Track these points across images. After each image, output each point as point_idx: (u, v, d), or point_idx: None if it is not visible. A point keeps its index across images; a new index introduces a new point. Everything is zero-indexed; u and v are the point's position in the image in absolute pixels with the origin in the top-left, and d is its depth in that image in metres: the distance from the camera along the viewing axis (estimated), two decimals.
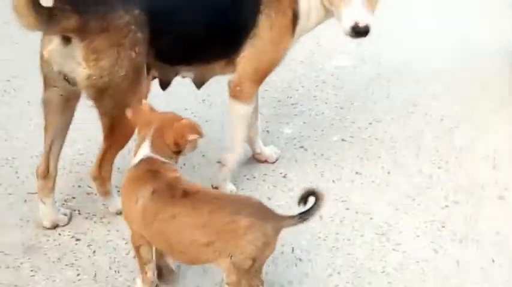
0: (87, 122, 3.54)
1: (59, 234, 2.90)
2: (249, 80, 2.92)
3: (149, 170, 2.41)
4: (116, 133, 2.75)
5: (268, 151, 3.36)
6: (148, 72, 2.81)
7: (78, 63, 2.53)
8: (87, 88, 2.59)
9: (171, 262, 2.65)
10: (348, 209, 3.08)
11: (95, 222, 2.97)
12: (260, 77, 2.94)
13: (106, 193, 2.94)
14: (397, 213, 3.05)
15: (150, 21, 2.62)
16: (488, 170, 3.33)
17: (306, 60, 4.30)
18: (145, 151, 2.44)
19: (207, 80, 3.05)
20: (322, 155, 3.42)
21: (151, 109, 2.50)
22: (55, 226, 2.93)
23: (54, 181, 2.90)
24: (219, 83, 3.15)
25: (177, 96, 3.64)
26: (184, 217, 2.31)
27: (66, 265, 2.75)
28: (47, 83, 2.71)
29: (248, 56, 2.85)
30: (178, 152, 2.48)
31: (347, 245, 2.88)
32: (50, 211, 2.91)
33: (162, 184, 2.38)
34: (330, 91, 3.98)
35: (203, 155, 3.38)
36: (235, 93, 2.95)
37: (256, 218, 2.28)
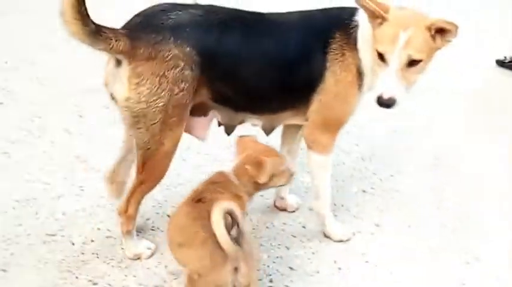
0: (109, 165, 3.61)
1: (76, 277, 2.87)
2: (321, 132, 2.94)
3: (210, 182, 2.65)
4: (148, 169, 2.77)
5: (290, 199, 3.35)
6: (205, 114, 2.87)
7: (122, 83, 2.61)
8: (125, 111, 2.65)
9: None
10: (367, 262, 3.04)
11: (112, 266, 2.95)
12: (331, 129, 2.95)
13: (127, 233, 2.94)
14: (418, 267, 3.01)
15: (202, 61, 2.65)
16: None
17: None
18: (226, 167, 2.64)
19: (276, 127, 3.07)
20: (342, 205, 3.40)
21: (255, 141, 2.70)
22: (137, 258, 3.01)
23: (123, 186, 3.05)
24: None
25: (200, 142, 3.64)
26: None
27: None
28: (114, 101, 2.79)
29: (316, 109, 2.87)
30: (258, 184, 2.64)
31: None
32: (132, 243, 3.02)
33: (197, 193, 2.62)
34: (352, 141, 3.97)
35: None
36: (310, 145, 2.98)
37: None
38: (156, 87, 2.60)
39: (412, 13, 2.66)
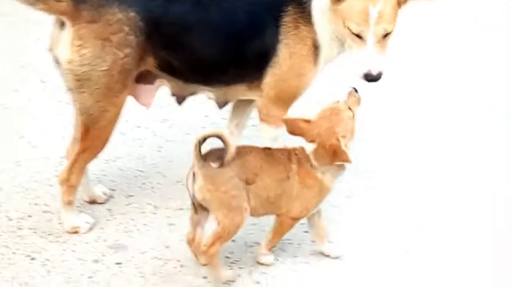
0: (46, 140, 3.56)
1: (14, 253, 2.83)
2: (274, 105, 2.92)
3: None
4: (91, 136, 2.75)
5: None
6: (151, 82, 2.85)
7: (65, 46, 2.60)
8: (67, 74, 2.63)
9: None
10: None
11: (50, 241, 2.91)
12: (285, 102, 2.94)
13: (68, 203, 2.89)
14: None
15: (147, 28, 2.64)
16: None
17: None
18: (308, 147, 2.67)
19: (231, 101, 3.04)
20: None
21: (307, 120, 2.68)
22: (93, 201, 3.11)
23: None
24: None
25: (138, 116, 3.62)
26: None
27: (20, 284, 2.69)
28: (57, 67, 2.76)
29: (270, 82, 2.86)
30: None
31: None
32: (87, 189, 3.08)
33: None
34: None
35: (164, 176, 3.36)
36: (263, 117, 2.96)
37: None
38: (99, 50, 2.58)
39: None
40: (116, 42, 2.59)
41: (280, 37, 2.81)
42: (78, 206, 3.05)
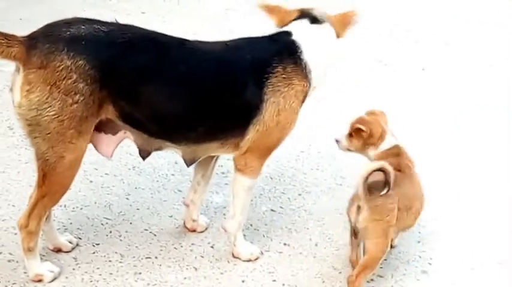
0: (12, 187, 3.52)
1: None
2: (253, 156, 2.91)
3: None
4: (49, 182, 2.72)
5: (201, 219, 3.33)
6: (114, 132, 2.83)
7: (16, 89, 2.62)
8: (19, 117, 2.64)
9: None
10: (274, 280, 3.06)
11: None
12: (265, 154, 2.95)
13: (29, 250, 2.84)
14: (324, 285, 3.05)
15: (101, 76, 2.62)
16: (413, 243, 3.38)
17: None
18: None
19: (200, 158, 2.97)
20: (251, 225, 3.41)
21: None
22: (58, 250, 3.08)
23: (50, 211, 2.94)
24: None
25: (107, 163, 3.61)
26: None
27: None
28: None
29: (252, 138, 2.85)
30: None
31: None
32: (52, 237, 3.06)
33: None
34: None
35: (131, 223, 3.33)
36: (240, 168, 2.94)
37: None
38: (46, 96, 2.59)
39: None
40: (63, 88, 2.59)
41: (266, 97, 2.79)
42: (43, 255, 3.01)
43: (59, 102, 2.59)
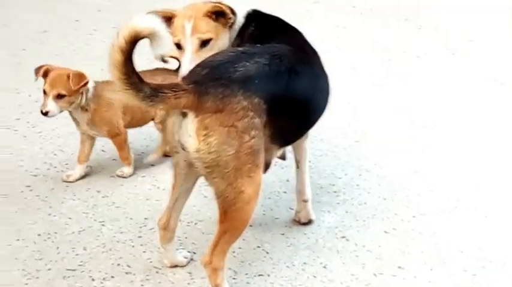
0: (130, 200, 3.63)
1: None
2: None
3: None
4: (230, 218, 2.75)
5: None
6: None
7: (189, 135, 2.64)
8: (197, 161, 2.67)
9: None
10: None
11: None
12: None
13: (217, 286, 2.88)
14: None
15: (269, 107, 2.73)
16: None
17: (350, 148, 4.30)
18: None
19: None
20: (363, 246, 3.36)
21: None
22: (174, 266, 3.14)
23: (173, 232, 3.06)
24: None
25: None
26: None
27: None
28: (172, 149, 2.85)
29: None
30: None
31: None
32: (170, 255, 3.12)
33: None
34: (374, 180, 3.95)
35: (244, 239, 3.34)
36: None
37: None
38: (224, 138, 2.62)
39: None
40: (241, 127, 2.63)
41: None
42: (159, 268, 3.09)
43: (237, 141, 2.63)
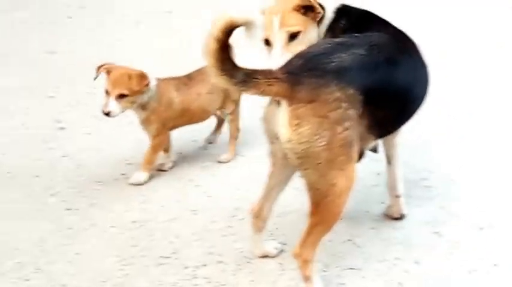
0: (221, 190, 3.67)
1: None
2: None
3: None
4: (322, 211, 2.74)
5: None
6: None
7: (282, 125, 2.64)
8: (289, 151, 2.67)
9: None
10: None
11: None
12: None
13: (306, 278, 2.87)
14: None
15: (365, 99, 2.71)
16: None
17: (443, 142, 4.21)
18: None
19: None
20: (457, 242, 3.28)
21: None
22: (264, 256, 3.15)
23: (265, 222, 3.07)
24: None
25: None
26: None
27: None
28: (269, 139, 2.85)
29: None
30: None
31: None
32: (260, 245, 3.14)
33: None
34: (469, 175, 3.84)
35: (334, 233, 3.33)
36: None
37: None
38: (316, 128, 2.60)
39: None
40: (334, 118, 2.61)
41: None
42: (250, 258, 3.12)
43: (330, 132, 2.61)
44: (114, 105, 3.58)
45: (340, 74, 2.66)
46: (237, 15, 2.54)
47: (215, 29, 2.51)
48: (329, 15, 3.17)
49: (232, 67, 2.57)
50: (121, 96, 3.59)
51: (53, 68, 5.16)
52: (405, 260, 3.16)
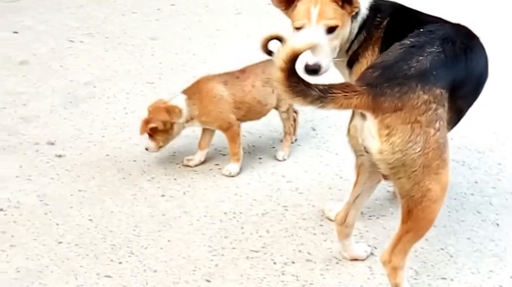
0: (313, 187, 3.65)
1: None
2: None
3: None
4: (414, 219, 2.68)
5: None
6: None
7: (372, 137, 2.59)
8: (380, 163, 2.62)
9: None
10: None
11: None
12: None
13: (396, 286, 2.82)
14: None
15: (451, 95, 2.68)
16: None
17: None
18: None
19: None
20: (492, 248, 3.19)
21: None
22: (355, 259, 3.13)
23: (351, 228, 3.02)
24: None
25: None
26: None
27: None
28: (356, 152, 2.79)
29: None
30: None
31: None
32: (349, 249, 3.10)
33: None
34: None
35: (426, 240, 3.27)
36: None
37: None
38: (409, 135, 2.54)
39: None
40: (425, 121, 2.55)
41: None
42: (339, 259, 3.10)
43: (423, 136, 2.55)
44: (149, 143, 3.75)
45: (423, 77, 2.59)
46: (300, 43, 2.46)
47: (279, 60, 2.46)
48: (363, 11, 3.10)
49: (304, 87, 2.50)
50: (153, 130, 3.70)
51: (155, 55, 5.26)
52: (500, 274, 3.07)
